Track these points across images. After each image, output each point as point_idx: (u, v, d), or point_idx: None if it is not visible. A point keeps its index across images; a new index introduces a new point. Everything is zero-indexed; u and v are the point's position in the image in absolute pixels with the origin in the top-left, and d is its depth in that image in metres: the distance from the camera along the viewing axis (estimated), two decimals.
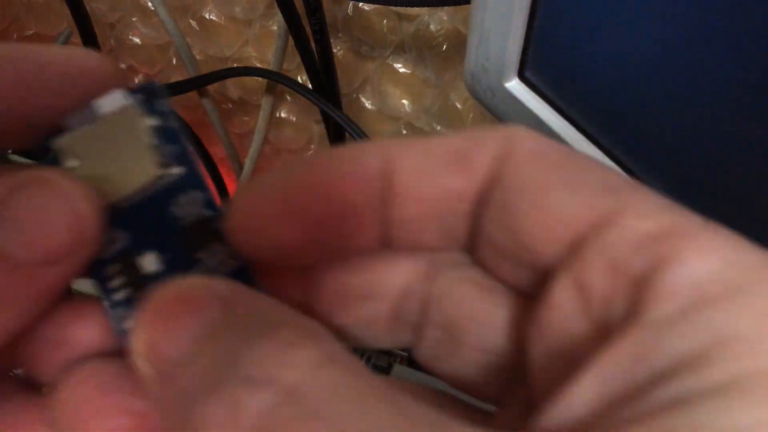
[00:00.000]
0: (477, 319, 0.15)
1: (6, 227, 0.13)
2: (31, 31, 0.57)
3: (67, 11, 0.45)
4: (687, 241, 0.12)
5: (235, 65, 0.52)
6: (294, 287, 0.16)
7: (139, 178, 0.15)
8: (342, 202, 0.15)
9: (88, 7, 0.46)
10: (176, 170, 0.16)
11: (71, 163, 0.15)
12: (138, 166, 0.16)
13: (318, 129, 0.54)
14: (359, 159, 0.15)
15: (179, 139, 0.16)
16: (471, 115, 0.46)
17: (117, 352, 0.15)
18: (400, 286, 0.16)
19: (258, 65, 0.51)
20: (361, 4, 0.44)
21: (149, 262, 0.15)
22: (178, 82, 0.48)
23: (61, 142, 0.15)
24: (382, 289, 0.16)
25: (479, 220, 0.14)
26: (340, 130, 0.48)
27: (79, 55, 0.15)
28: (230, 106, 0.56)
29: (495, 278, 0.15)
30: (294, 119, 0.54)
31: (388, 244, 0.15)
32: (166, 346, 0.13)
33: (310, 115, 0.53)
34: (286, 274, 0.16)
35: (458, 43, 0.43)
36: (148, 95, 0.16)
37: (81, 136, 0.15)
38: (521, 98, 0.29)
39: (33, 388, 0.16)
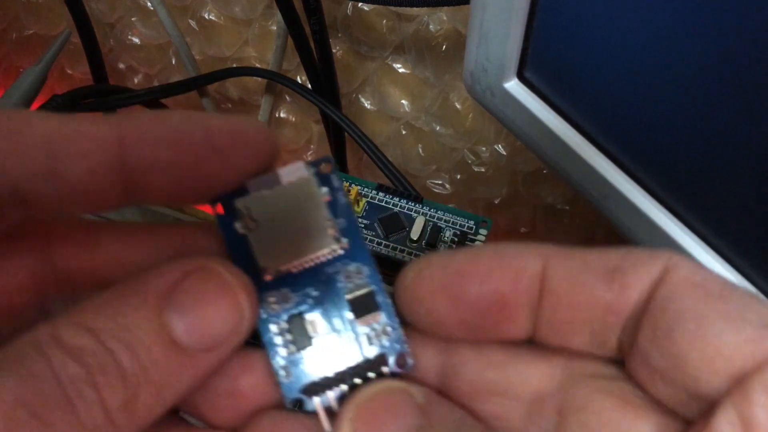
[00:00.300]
0: (619, 430, 0.16)
1: (177, 312, 0.15)
2: (31, 31, 0.57)
3: (66, 11, 0.45)
4: None
5: (235, 65, 0.52)
6: (436, 358, 0.18)
7: (312, 248, 0.17)
8: (496, 293, 0.16)
9: (87, 7, 0.46)
10: (345, 243, 0.17)
11: (251, 224, 0.17)
12: (311, 236, 0.17)
13: (317, 129, 0.54)
14: (520, 257, 0.16)
15: (349, 213, 0.17)
16: (470, 116, 0.46)
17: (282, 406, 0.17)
18: (534, 390, 0.17)
19: (257, 65, 0.51)
20: (360, 5, 0.44)
21: (314, 326, 0.17)
22: (177, 82, 0.48)
23: (244, 202, 0.17)
24: (515, 388, 0.17)
25: (635, 337, 0.15)
26: (340, 130, 0.48)
27: (241, 125, 0.16)
28: (230, 106, 0.56)
29: (645, 393, 0.16)
30: (293, 119, 0.54)
31: (536, 340, 0.17)
32: None
33: (309, 115, 0.53)
34: (432, 346, 0.18)
35: (458, 44, 0.43)
36: (325, 170, 0.17)
37: (261, 199, 0.17)
38: (520, 98, 0.29)
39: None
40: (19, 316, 0.17)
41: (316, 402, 0.17)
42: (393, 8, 0.43)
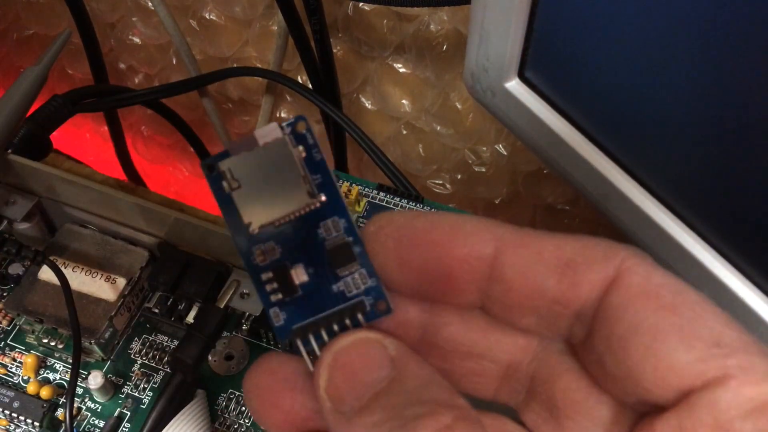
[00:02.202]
0: (582, 411, 0.17)
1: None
2: (31, 31, 0.57)
3: (67, 11, 0.46)
4: None
5: (235, 65, 0.52)
6: (417, 312, 0.18)
7: (291, 204, 0.18)
8: (448, 271, 0.17)
9: (88, 7, 0.46)
10: (322, 198, 0.18)
11: (234, 184, 0.18)
12: (290, 193, 0.18)
13: (318, 129, 0.54)
14: (474, 236, 0.17)
15: (324, 169, 0.19)
16: (471, 116, 0.46)
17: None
18: (513, 355, 0.18)
19: (258, 65, 0.51)
20: (361, 4, 0.44)
21: (297, 274, 0.18)
22: (178, 82, 0.48)
23: (226, 164, 0.18)
24: (493, 353, 0.18)
25: (590, 337, 0.16)
26: (340, 130, 0.48)
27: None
28: (230, 105, 0.56)
29: (600, 390, 0.17)
30: None
31: (485, 311, 0.18)
32: (348, 394, 0.16)
33: (310, 114, 0.53)
34: (416, 304, 0.18)
35: (458, 43, 0.43)
36: (300, 129, 0.19)
37: (242, 161, 0.18)
38: (521, 98, 0.29)
39: None
40: None
41: (300, 347, 0.18)
42: (394, 8, 0.43)
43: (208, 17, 0.50)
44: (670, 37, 0.23)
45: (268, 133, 0.19)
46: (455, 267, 0.17)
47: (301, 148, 0.19)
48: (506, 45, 0.28)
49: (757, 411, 0.14)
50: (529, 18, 0.27)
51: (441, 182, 0.51)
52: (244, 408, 0.32)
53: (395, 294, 0.18)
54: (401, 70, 0.46)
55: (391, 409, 0.15)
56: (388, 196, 0.35)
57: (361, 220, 0.35)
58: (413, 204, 0.35)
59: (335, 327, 0.18)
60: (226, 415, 0.32)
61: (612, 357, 0.15)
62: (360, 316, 0.18)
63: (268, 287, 0.18)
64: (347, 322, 0.18)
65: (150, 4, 0.49)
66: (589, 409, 0.17)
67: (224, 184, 0.18)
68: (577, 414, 0.17)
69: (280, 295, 0.18)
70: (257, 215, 0.18)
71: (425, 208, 0.35)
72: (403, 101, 0.48)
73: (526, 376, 0.18)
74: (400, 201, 0.35)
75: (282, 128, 0.19)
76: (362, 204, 0.35)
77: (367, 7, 0.44)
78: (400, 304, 0.18)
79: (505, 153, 0.47)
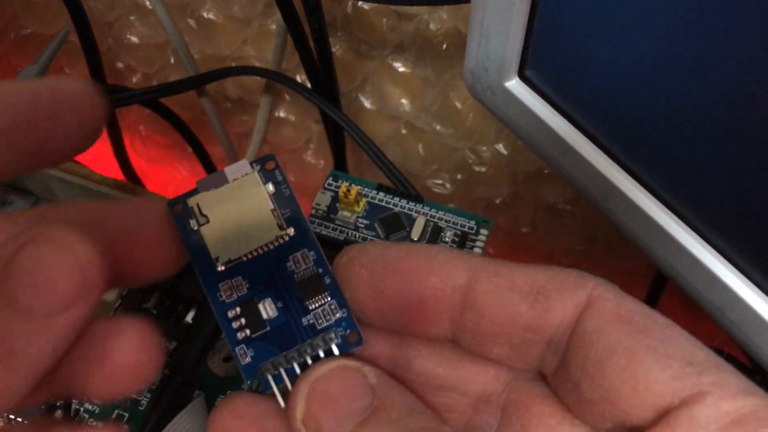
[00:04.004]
0: None
1: (18, 280, 0.15)
2: (29, 30, 0.57)
3: (64, 10, 0.45)
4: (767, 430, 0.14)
5: (234, 64, 0.51)
6: (387, 346, 0.18)
7: (260, 238, 0.18)
8: (421, 301, 0.17)
9: (86, 6, 0.46)
10: (291, 231, 0.19)
11: (202, 219, 0.18)
12: (259, 227, 0.18)
13: (317, 128, 0.54)
14: (448, 266, 0.17)
15: (293, 204, 0.19)
16: (471, 115, 0.46)
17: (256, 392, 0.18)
18: (485, 386, 0.18)
19: (257, 64, 0.51)
20: (360, 3, 0.44)
21: (266, 308, 0.18)
22: (176, 82, 0.48)
23: (194, 200, 0.18)
24: (464, 385, 0.18)
25: (564, 364, 0.16)
26: (339, 129, 0.47)
27: (62, 82, 0.17)
28: (229, 105, 0.56)
29: (573, 416, 0.17)
30: (293, 119, 0.54)
31: (456, 343, 0.18)
32: (329, 425, 0.15)
33: (309, 114, 0.53)
34: (384, 337, 0.18)
35: (458, 42, 0.43)
36: (269, 167, 0.19)
37: (211, 197, 0.19)
38: (521, 98, 0.29)
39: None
40: None
41: (270, 381, 0.18)
42: (393, 7, 0.43)
43: (206, 16, 0.50)
44: (671, 36, 0.23)
45: (238, 169, 0.19)
46: (429, 296, 0.17)
47: (270, 185, 0.19)
48: (506, 44, 0.28)
49: (735, 425, 0.14)
50: (529, 17, 0.27)
51: (441, 182, 0.51)
52: None
53: (365, 326, 0.18)
54: (401, 69, 0.46)
55: None
56: (387, 195, 0.35)
57: (360, 220, 0.34)
58: (413, 204, 0.35)
59: (308, 360, 0.18)
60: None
61: (588, 381, 0.15)
62: (333, 347, 0.18)
63: (235, 324, 0.18)
64: (320, 353, 0.18)
65: (148, 3, 0.49)
66: None
67: (191, 221, 0.18)
68: None
69: (247, 332, 0.18)
70: (225, 250, 0.18)
71: (425, 207, 0.35)
72: (403, 101, 0.48)
73: (498, 407, 0.18)
74: (399, 201, 0.35)
75: (252, 165, 0.19)
76: (361, 204, 0.35)
77: (366, 6, 0.44)
78: (370, 337, 0.18)
79: (506, 153, 0.47)
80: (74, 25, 0.46)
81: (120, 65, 0.57)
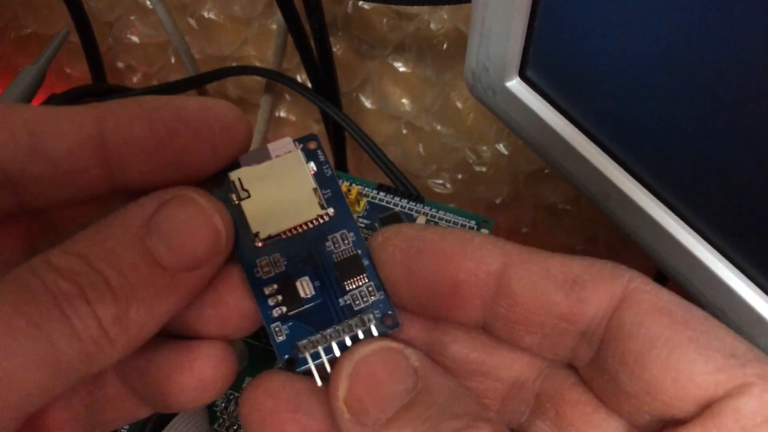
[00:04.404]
0: (593, 424, 0.17)
1: (156, 237, 0.16)
2: (29, 30, 0.57)
3: (65, 10, 0.45)
4: None
5: (234, 64, 0.51)
6: (423, 330, 0.18)
7: (300, 216, 0.18)
8: (455, 284, 0.17)
9: (86, 6, 0.46)
10: (331, 211, 0.19)
11: (243, 194, 0.18)
12: (300, 205, 0.18)
13: (317, 128, 0.54)
14: (483, 251, 0.17)
15: (334, 184, 0.19)
16: (471, 115, 0.46)
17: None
18: (518, 372, 0.18)
19: (257, 64, 0.51)
20: (360, 3, 0.44)
21: (303, 287, 0.18)
22: (176, 81, 0.48)
23: (236, 174, 0.18)
24: (498, 371, 0.18)
25: (601, 356, 0.16)
26: (340, 129, 0.47)
27: (211, 103, 0.17)
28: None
29: (605, 405, 0.16)
30: (293, 118, 0.54)
31: (487, 330, 0.17)
32: (373, 406, 0.15)
33: (309, 114, 0.53)
34: (421, 321, 0.18)
35: (459, 42, 0.43)
36: (311, 146, 0.19)
37: (253, 172, 0.18)
38: (522, 97, 0.29)
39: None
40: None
41: (308, 359, 0.17)
42: (394, 7, 0.43)
43: (206, 16, 0.50)
44: (672, 36, 0.23)
45: (281, 146, 0.19)
46: (463, 280, 0.17)
47: (312, 163, 0.19)
48: (507, 44, 0.28)
49: None
50: (530, 16, 0.27)
51: (441, 182, 0.51)
52: None
53: (400, 309, 0.18)
54: (401, 69, 0.46)
55: (424, 422, 0.15)
56: (388, 195, 0.35)
57: (361, 219, 0.34)
58: (413, 204, 0.35)
59: (346, 339, 0.17)
60: (225, 417, 0.31)
61: (628, 373, 0.15)
62: (371, 328, 0.18)
63: (271, 301, 0.18)
64: (359, 334, 0.18)
65: (148, 2, 0.49)
66: (600, 422, 0.16)
67: (232, 195, 0.18)
68: (588, 428, 0.17)
69: (283, 309, 0.18)
70: (265, 225, 0.18)
71: (425, 207, 0.35)
72: (403, 100, 0.48)
73: (531, 394, 0.18)
74: (400, 201, 0.35)
75: (295, 143, 0.19)
76: (362, 204, 0.35)
77: (366, 5, 0.44)
78: (405, 320, 0.18)
79: (506, 152, 0.47)
80: (74, 25, 0.46)
81: (120, 65, 0.57)
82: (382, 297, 0.18)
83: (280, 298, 0.18)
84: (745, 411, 0.14)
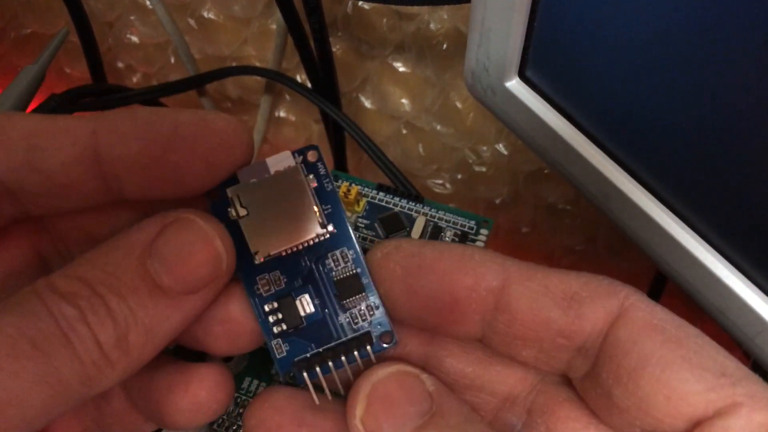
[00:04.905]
0: None
1: (157, 261, 0.16)
2: (29, 30, 0.57)
3: (65, 10, 0.45)
4: None
5: (234, 64, 0.51)
6: (419, 344, 0.19)
7: (300, 234, 0.18)
8: (455, 300, 0.17)
9: (86, 6, 0.46)
10: (331, 228, 0.18)
11: (241, 210, 0.18)
12: (299, 222, 0.18)
13: (317, 128, 0.54)
14: (483, 267, 0.17)
15: (335, 200, 0.19)
16: (471, 115, 0.46)
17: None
18: (512, 386, 0.18)
19: (257, 64, 0.51)
20: (360, 3, 0.44)
21: (303, 304, 0.18)
22: (176, 81, 0.48)
23: (234, 190, 0.18)
24: (492, 385, 0.18)
25: (596, 371, 0.16)
26: (340, 129, 0.47)
27: (209, 117, 0.17)
28: (229, 105, 0.56)
29: (599, 420, 0.17)
30: (293, 118, 0.54)
31: (484, 343, 0.18)
32: (389, 426, 0.16)
33: (309, 114, 0.53)
34: (416, 336, 0.19)
35: (458, 42, 0.43)
36: (311, 158, 0.19)
37: (251, 187, 0.18)
38: (522, 98, 0.29)
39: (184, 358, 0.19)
40: (22, 277, 0.19)
41: (305, 376, 0.18)
42: (393, 7, 0.43)
43: (206, 16, 0.50)
44: (672, 35, 0.23)
45: (280, 161, 0.18)
46: (463, 296, 0.17)
47: (312, 177, 0.18)
48: (507, 44, 0.28)
49: None
50: (529, 17, 0.27)
51: (441, 182, 0.51)
52: (242, 410, 0.32)
53: (398, 324, 0.18)
54: (401, 69, 0.46)
55: None
56: (387, 195, 0.35)
57: (360, 219, 0.34)
58: (413, 204, 0.35)
59: (343, 359, 0.18)
60: (224, 417, 0.31)
61: (621, 389, 0.16)
62: (368, 348, 0.18)
63: (272, 318, 0.18)
64: (355, 353, 0.18)
65: (148, 2, 0.49)
66: None
67: (230, 210, 0.18)
68: None
69: (283, 326, 0.18)
70: (264, 244, 0.18)
71: (425, 207, 0.35)
72: (403, 100, 0.48)
73: (523, 409, 0.18)
74: (399, 201, 0.35)
75: (294, 156, 0.18)
76: (362, 204, 0.35)
77: (366, 5, 0.44)
78: (402, 335, 0.18)
79: (506, 153, 0.47)
80: (74, 25, 0.46)
81: (120, 65, 0.57)
82: (381, 315, 0.18)
83: (280, 315, 0.18)
84: (734, 430, 0.14)
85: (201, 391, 0.18)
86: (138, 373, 0.17)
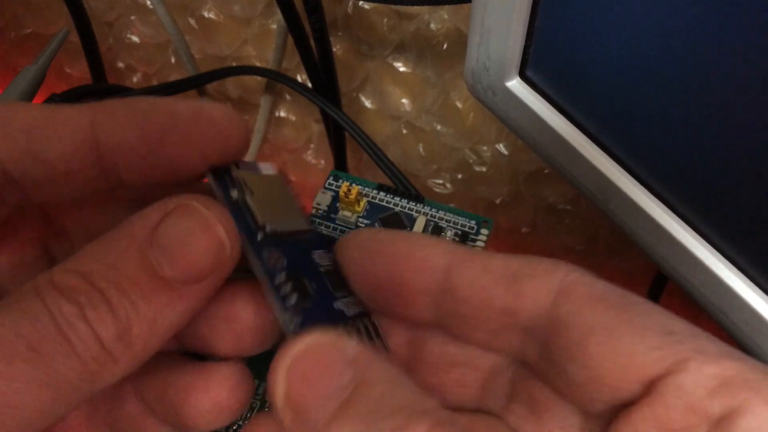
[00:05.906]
0: (564, 409, 0.17)
1: (158, 250, 0.16)
2: (29, 30, 0.57)
3: (65, 9, 0.45)
4: (754, 391, 0.14)
5: (234, 64, 0.51)
6: (406, 331, 0.19)
7: (295, 224, 0.19)
8: (398, 277, 0.18)
9: (86, 6, 0.46)
10: (313, 228, 0.20)
11: (248, 191, 0.18)
12: (293, 214, 0.19)
13: (317, 128, 0.54)
14: (427, 250, 0.18)
15: (306, 215, 0.20)
16: (471, 115, 0.46)
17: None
18: (492, 363, 0.18)
19: (257, 64, 0.51)
20: (360, 3, 0.44)
21: (306, 284, 0.18)
22: (176, 81, 0.48)
23: (241, 174, 0.18)
24: (475, 361, 0.18)
25: (548, 352, 0.16)
26: (340, 129, 0.47)
27: (206, 107, 0.17)
28: (229, 105, 0.56)
29: (558, 396, 0.17)
30: (293, 118, 0.54)
31: (443, 328, 0.18)
32: (312, 407, 0.15)
33: (309, 114, 0.53)
34: (398, 323, 0.19)
35: (459, 42, 0.43)
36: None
37: (253, 177, 0.19)
38: (522, 97, 0.29)
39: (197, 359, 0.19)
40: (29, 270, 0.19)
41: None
42: (394, 7, 0.43)
43: (206, 16, 0.50)
44: (673, 36, 0.23)
45: (267, 167, 0.20)
46: (408, 277, 0.17)
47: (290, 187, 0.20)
48: (507, 44, 0.28)
49: (721, 387, 0.14)
50: (530, 16, 0.27)
51: (441, 182, 0.51)
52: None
53: (381, 315, 0.19)
54: (401, 69, 0.46)
55: (361, 420, 0.14)
56: (388, 195, 0.35)
57: (361, 220, 0.34)
58: (413, 204, 0.35)
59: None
60: None
61: (573, 363, 0.16)
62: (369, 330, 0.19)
63: (282, 291, 0.18)
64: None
65: (148, 2, 0.49)
66: (565, 416, 0.17)
67: (234, 191, 0.18)
68: (556, 405, 0.17)
69: (293, 299, 0.18)
70: (271, 219, 0.18)
71: (425, 207, 0.35)
72: (403, 100, 0.48)
73: (507, 381, 0.18)
74: (400, 201, 0.35)
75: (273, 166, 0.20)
76: (362, 204, 0.35)
77: (367, 5, 0.44)
78: (386, 323, 0.19)
79: (506, 153, 0.47)
80: (74, 25, 0.46)
81: (120, 65, 0.57)
82: (362, 308, 0.19)
83: (289, 288, 0.18)
84: (686, 387, 0.14)
85: (222, 391, 0.17)
86: (152, 375, 0.17)
